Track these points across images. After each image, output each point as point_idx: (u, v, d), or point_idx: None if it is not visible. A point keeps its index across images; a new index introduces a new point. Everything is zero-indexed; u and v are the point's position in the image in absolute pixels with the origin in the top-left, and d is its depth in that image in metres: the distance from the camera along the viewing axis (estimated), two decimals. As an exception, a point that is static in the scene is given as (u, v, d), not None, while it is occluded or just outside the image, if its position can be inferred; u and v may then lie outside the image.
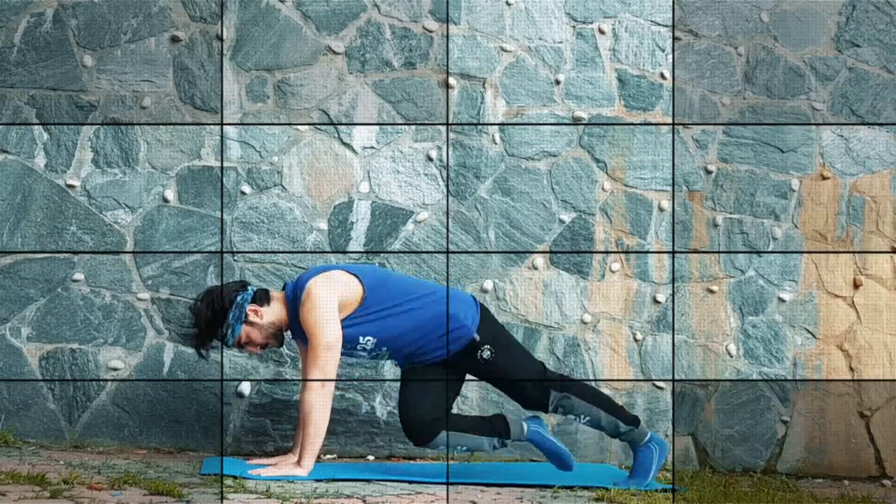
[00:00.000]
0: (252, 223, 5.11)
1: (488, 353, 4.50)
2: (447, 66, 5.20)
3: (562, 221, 5.27)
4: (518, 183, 5.25)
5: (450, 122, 5.20)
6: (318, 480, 4.27)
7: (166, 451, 4.96)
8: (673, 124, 5.31)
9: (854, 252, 5.39)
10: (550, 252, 5.25)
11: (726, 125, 5.37)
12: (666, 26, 5.34)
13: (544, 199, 5.26)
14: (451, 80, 5.21)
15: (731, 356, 5.33)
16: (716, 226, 5.35)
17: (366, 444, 5.10)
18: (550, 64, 5.28)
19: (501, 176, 5.24)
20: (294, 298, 4.43)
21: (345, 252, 5.12)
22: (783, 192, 5.39)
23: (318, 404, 4.34)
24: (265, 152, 5.12)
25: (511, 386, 4.57)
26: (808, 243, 5.39)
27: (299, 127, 5.14)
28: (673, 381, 5.28)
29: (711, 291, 5.33)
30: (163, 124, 5.08)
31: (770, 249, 5.37)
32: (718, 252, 5.34)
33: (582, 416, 4.55)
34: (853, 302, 5.40)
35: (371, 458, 5.08)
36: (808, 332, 5.38)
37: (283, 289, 4.54)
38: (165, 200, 5.07)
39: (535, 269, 5.24)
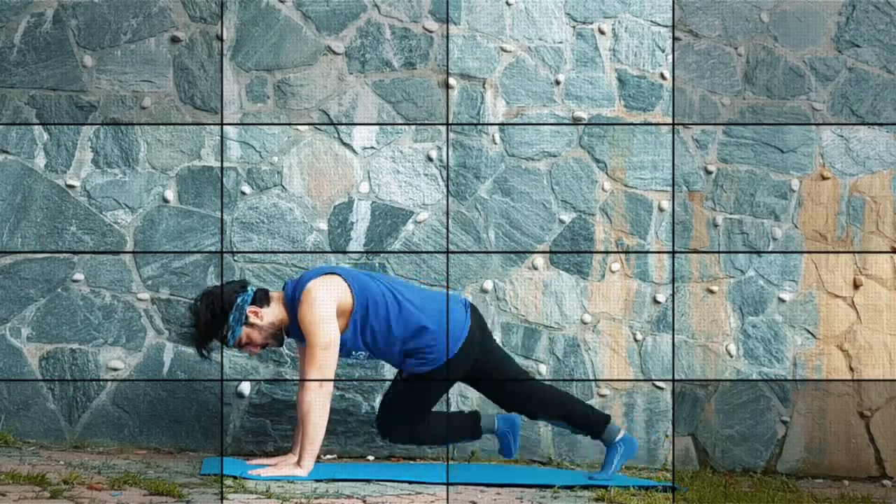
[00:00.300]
0: (252, 223, 5.11)
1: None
2: (447, 66, 5.20)
3: (562, 221, 5.27)
4: (518, 183, 5.25)
5: (450, 122, 5.20)
6: (318, 480, 4.27)
7: (166, 451, 4.96)
8: (673, 124, 5.31)
9: (854, 252, 5.39)
10: (550, 252, 5.25)
11: (726, 125, 5.37)
12: (666, 26, 5.34)
13: (544, 199, 5.26)
14: (451, 81, 5.21)
15: (731, 356, 5.33)
16: (716, 226, 5.35)
17: (366, 444, 5.11)
18: (550, 64, 5.28)
19: (501, 176, 5.24)
20: (294, 298, 4.44)
21: (345, 252, 5.12)
22: (783, 192, 5.39)
23: (317, 404, 4.35)
24: (265, 152, 5.12)
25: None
26: (808, 243, 5.39)
27: (299, 127, 5.14)
28: (673, 381, 5.28)
29: (711, 291, 5.33)
30: (163, 124, 5.08)
31: (770, 249, 5.37)
32: (718, 252, 5.34)
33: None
34: (853, 302, 5.40)
35: (371, 458, 5.08)
36: (808, 332, 5.37)
37: (283, 288, 4.54)
38: (165, 200, 5.07)
39: (535, 269, 5.24)
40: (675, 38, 5.35)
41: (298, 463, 4.37)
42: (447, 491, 4.19)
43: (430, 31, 5.21)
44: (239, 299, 4.42)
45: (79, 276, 5.02)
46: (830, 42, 5.43)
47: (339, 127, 5.16)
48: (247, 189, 5.11)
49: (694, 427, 5.32)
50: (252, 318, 4.44)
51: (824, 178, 5.41)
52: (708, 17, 5.38)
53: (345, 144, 5.17)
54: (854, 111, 5.42)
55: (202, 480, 4.16)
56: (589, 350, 5.26)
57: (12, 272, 5.00)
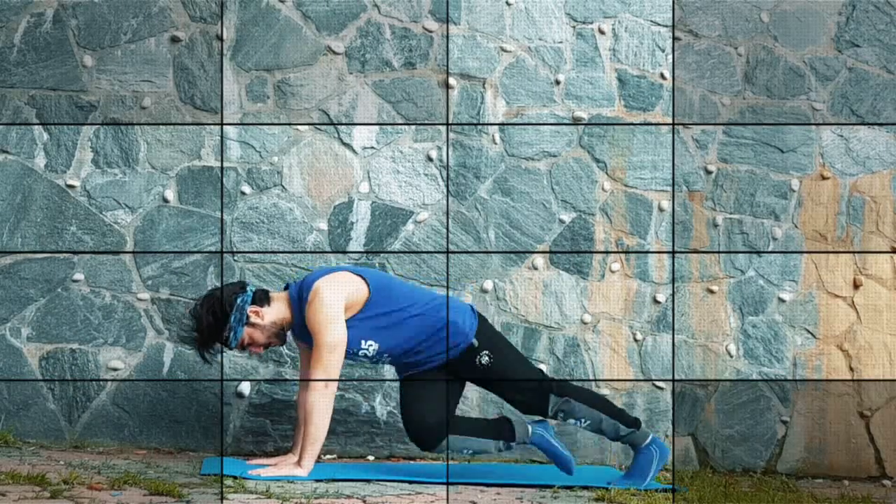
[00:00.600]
0: (252, 223, 5.11)
1: (486, 358, 4.50)
2: (447, 66, 5.20)
3: (562, 221, 5.26)
4: (518, 183, 5.25)
5: (450, 122, 5.20)
6: (318, 480, 4.27)
7: (166, 451, 4.96)
8: (673, 124, 5.31)
9: (854, 252, 5.39)
10: (550, 252, 5.25)
11: (726, 125, 5.37)
12: (666, 26, 5.34)
13: (544, 199, 5.26)
14: (451, 80, 5.21)
15: (731, 356, 5.33)
16: (716, 226, 5.35)
17: (366, 444, 5.10)
18: (550, 64, 5.28)
19: (501, 176, 5.24)
20: (300, 299, 4.43)
21: (345, 252, 5.12)
22: (783, 192, 5.39)
23: (321, 404, 4.35)
24: (265, 152, 5.12)
25: (510, 391, 4.57)
26: (808, 243, 5.39)
27: (299, 127, 5.14)
28: (673, 381, 5.28)
29: (711, 291, 5.33)
30: (163, 124, 5.08)
31: (770, 249, 5.37)
32: (718, 252, 5.34)
33: (582, 420, 4.55)
34: (853, 302, 5.40)
35: (371, 458, 5.08)
36: (808, 332, 5.37)
37: (286, 289, 4.54)
38: (165, 200, 5.07)
39: (535, 269, 5.24)
40: (675, 38, 5.35)
41: (298, 463, 4.37)
42: (447, 491, 4.19)
43: (430, 31, 5.21)
44: (239, 300, 4.42)
45: (79, 276, 5.02)
46: (830, 42, 5.43)
47: (339, 127, 5.16)
48: (247, 189, 5.11)
49: (694, 427, 5.32)
50: (253, 318, 4.43)
51: (824, 178, 5.41)
52: (708, 17, 5.38)
53: (345, 144, 5.17)
54: (854, 111, 5.42)
55: (202, 480, 4.16)
56: (589, 350, 5.26)
57: (12, 272, 5.00)
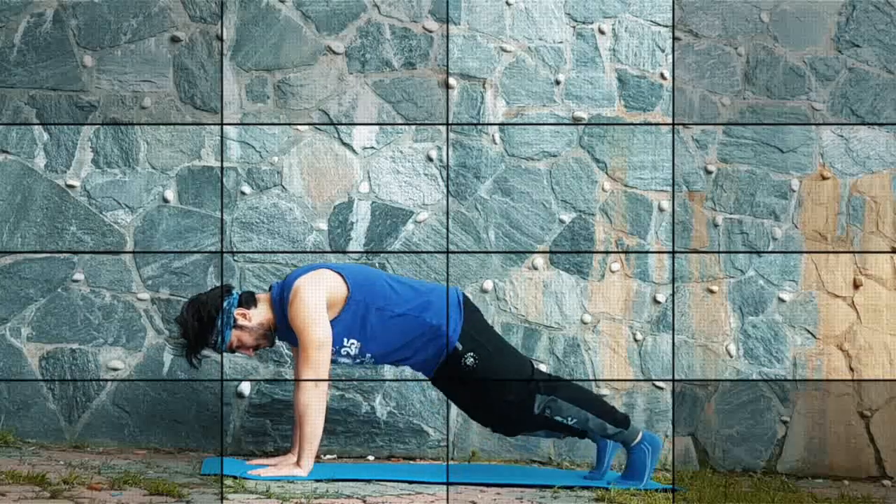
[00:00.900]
0: (252, 223, 5.11)
1: (472, 359, 4.46)
2: (447, 66, 5.20)
3: (562, 221, 5.26)
4: (518, 183, 5.25)
5: (450, 122, 5.20)
6: (318, 480, 4.27)
7: (166, 451, 4.96)
8: (673, 124, 5.31)
9: (854, 252, 5.39)
10: (550, 252, 5.25)
11: (726, 125, 5.37)
12: (666, 26, 5.34)
13: (544, 199, 5.26)
14: (451, 80, 5.21)
15: (731, 356, 5.33)
16: (716, 226, 5.35)
17: (366, 444, 5.10)
18: (550, 64, 5.28)
19: (501, 176, 5.24)
20: (281, 299, 4.41)
21: (345, 252, 5.12)
22: (783, 192, 5.39)
23: (313, 403, 4.33)
24: (265, 152, 5.12)
25: (497, 390, 4.51)
26: (808, 243, 5.39)
27: (299, 127, 5.14)
28: (673, 381, 5.28)
29: (711, 291, 5.33)
30: (163, 124, 5.08)
31: (770, 249, 5.37)
32: (718, 252, 5.34)
33: (569, 419, 4.52)
34: (853, 302, 5.40)
35: (371, 458, 5.08)
36: (808, 332, 5.37)
37: (270, 290, 4.52)
38: (165, 200, 5.07)
39: (535, 269, 5.24)
40: (675, 38, 5.35)
41: (298, 463, 4.36)
42: (447, 491, 4.19)
43: (430, 31, 5.21)
44: (224, 303, 4.39)
45: (79, 276, 5.02)
46: (830, 42, 5.43)
47: (339, 127, 5.16)
48: (247, 189, 5.11)
49: (694, 427, 5.32)
50: (240, 321, 4.41)
51: (824, 178, 5.41)
52: (708, 17, 5.38)
53: (345, 144, 5.17)
54: (854, 111, 5.42)
55: (202, 480, 4.16)
56: (589, 350, 5.26)
57: (12, 272, 5.00)
